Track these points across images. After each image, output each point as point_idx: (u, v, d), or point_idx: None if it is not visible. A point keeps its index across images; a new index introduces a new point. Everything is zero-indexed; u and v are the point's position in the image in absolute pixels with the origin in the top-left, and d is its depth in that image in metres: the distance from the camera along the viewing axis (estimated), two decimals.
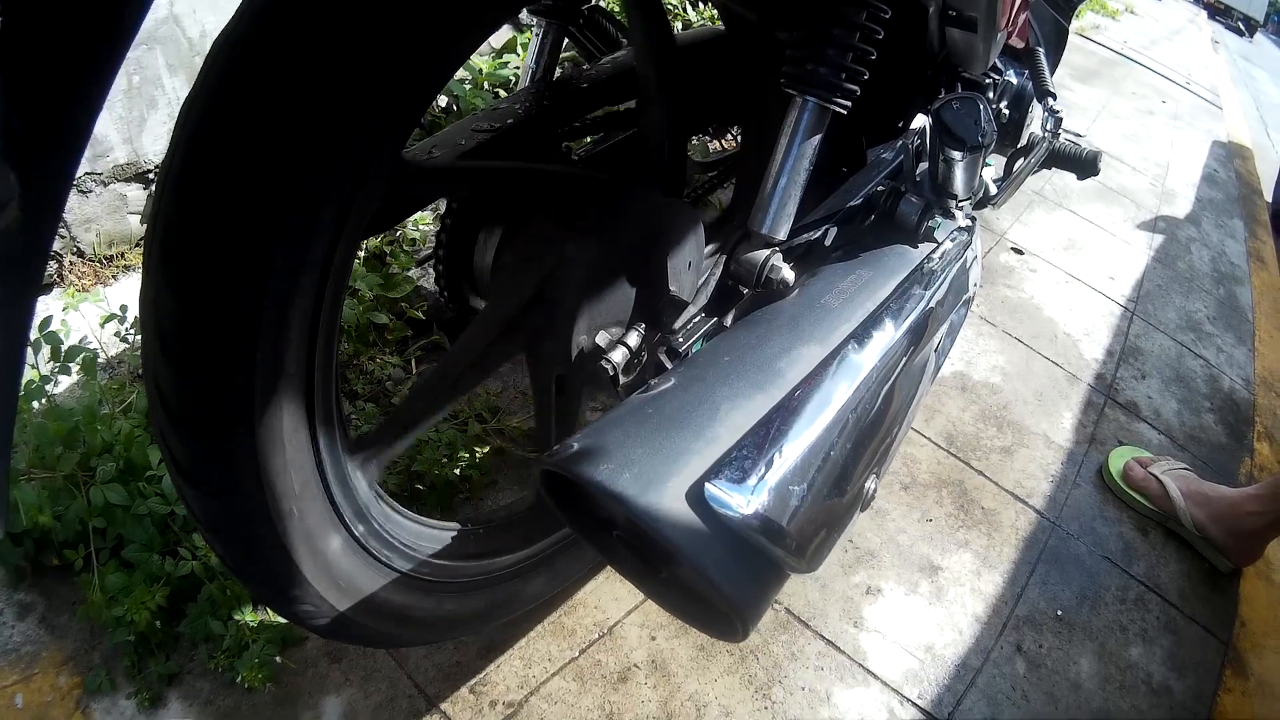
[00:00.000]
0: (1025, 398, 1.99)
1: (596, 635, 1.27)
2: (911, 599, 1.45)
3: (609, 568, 1.31)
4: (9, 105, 0.36)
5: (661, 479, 0.61)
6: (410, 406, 0.92)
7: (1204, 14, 10.15)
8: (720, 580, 0.60)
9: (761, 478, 0.62)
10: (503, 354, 0.93)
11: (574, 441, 0.65)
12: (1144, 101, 4.65)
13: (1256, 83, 8.27)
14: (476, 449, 1.44)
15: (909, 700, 1.30)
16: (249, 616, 1.14)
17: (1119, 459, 1.82)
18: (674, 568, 0.72)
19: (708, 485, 0.61)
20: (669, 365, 0.85)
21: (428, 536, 0.95)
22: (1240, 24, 12.70)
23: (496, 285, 0.97)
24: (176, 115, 0.58)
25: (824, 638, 1.35)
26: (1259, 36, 13.25)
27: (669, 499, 0.60)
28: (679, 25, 2.56)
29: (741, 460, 0.63)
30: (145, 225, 1.75)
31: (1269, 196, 3.92)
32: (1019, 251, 2.63)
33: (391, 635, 0.92)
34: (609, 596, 1.32)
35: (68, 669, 1.12)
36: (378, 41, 0.56)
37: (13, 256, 0.40)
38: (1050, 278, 2.54)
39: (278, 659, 1.15)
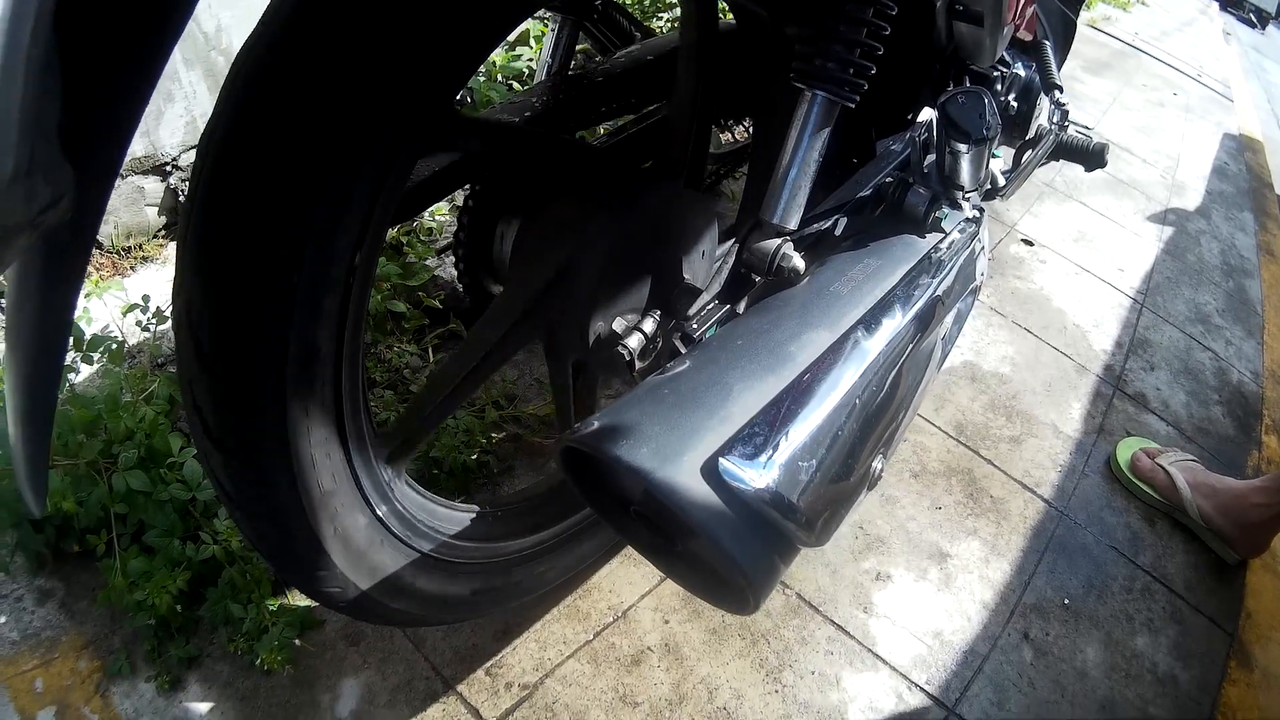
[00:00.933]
0: (1034, 388, 2.00)
1: (611, 619, 1.29)
2: (921, 585, 1.46)
3: (623, 554, 1.33)
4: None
5: (678, 454, 0.63)
6: (431, 394, 0.94)
7: (1215, 5, 10.08)
8: (733, 550, 0.62)
9: (773, 454, 0.64)
10: (521, 339, 0.95)
11: (594, 420, 0.67)
12: (1155, 93, 4.63)
13: (1268, 75, 8.20)
14: (494, 435, 1.46)
15: (917, 685, 1.31)
16: (269, 600, 1.16)
17: (1127, 450, 1.83)
18: (688, 541, 0.75)
19: (722, 460, 0.63)
20: (683, 351, 0.87)
21: (447, 518, 0.97)
22: (1252, 16, 12.59)
23: (514, 272, 1.00)
24: (201, 110, 0.60)
25: (834, 623, 1.36)
26: (1271, 28, 13.13)
27: (685, 473, 0.62)
28: None
29: (754, 437, 0.65)
30: (164, 215, 1.78)
31: (1279, 189, 3.91)
32: (1029, 243, 2.63)
33: (411, 615, 0.94)
34: (623, 580, 1.34)
35: (87, 653, 1.14)
36: (405, 33, 0.58)
37: (60, 249, 0.42)
38: (1060, 269, 2.55)
39: (297, 642, 1.17)
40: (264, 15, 0.57)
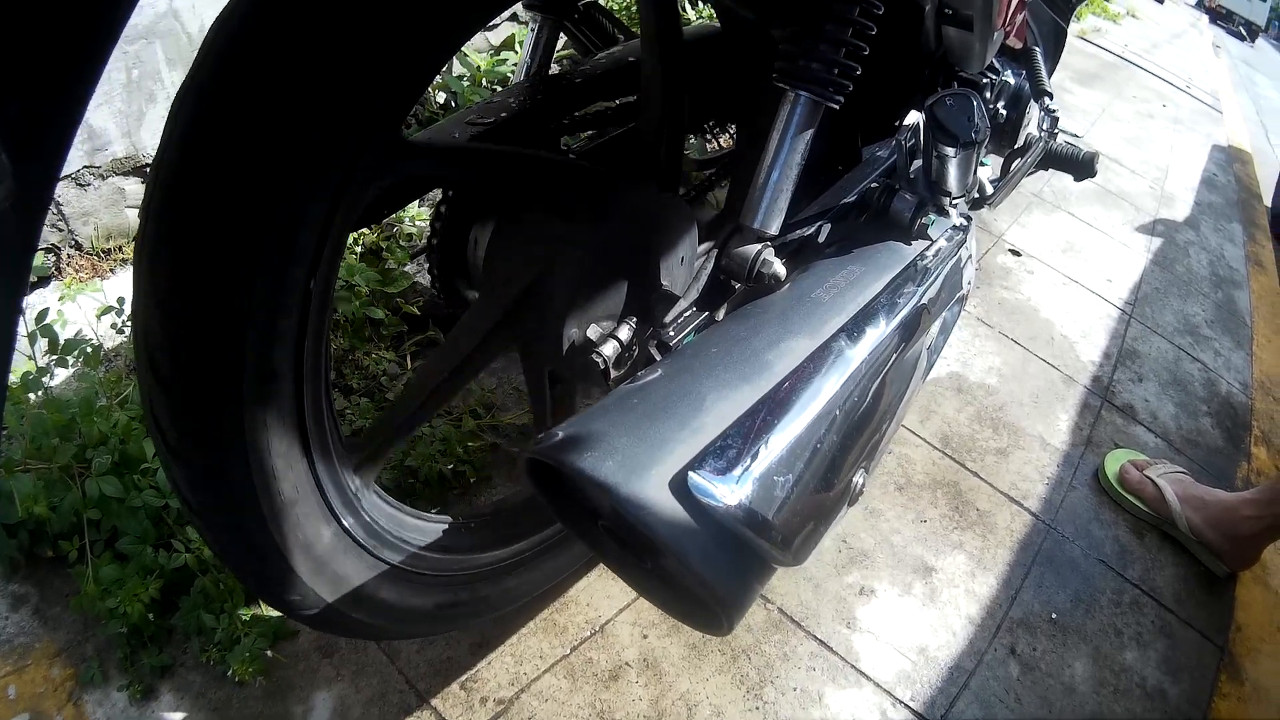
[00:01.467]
0: (1021, 399, 1.99)
1: (588, 633, 1.27)
2: (905, 600, 1.44)
3: (601, 567, 1.31)
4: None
5: (645, 467, 0.60)
6: (404, 404, 0.92)
7: (1205, 18, 10.17)
8: (703, 571, 0.59)
9: (746, 468, 0.61)
10: (495, 348, 0.93)
11: (559, 430, 0.64)
12: (1144, 105, 4.64)
13: (1257, 87, 8.27)
14: (471, 444, 1.44)
15: (901, 702, 1.29)
16: (242, 610, 1.14)
17: (1115, 462, 1.82)
18: (659, 559, 0.72)
19: (691, 474, 0.60)
20: (659, 359, 0.85)
21: (418, 529, 0.95)
22: (1241, 28, 12.73)
23: (489, 279, 0.97)
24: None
25: (816, 638, 1.34)
26: (1260, 41, 13.27)
27: (652, 488, 0.59)
28: None
29: (726, 450, 0.62)
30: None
31: (1268, 201, 3.92)
32: (1017, 253, 2.62)
33: (380, 628, 0.92)
34: (601, 594, 1.31)
35: (60, 661, 1.12)
36: (373, 24, 0.56)
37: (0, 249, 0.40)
38: (1048, 280, 2.54)
39: (269, 653, 1.15)
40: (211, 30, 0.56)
